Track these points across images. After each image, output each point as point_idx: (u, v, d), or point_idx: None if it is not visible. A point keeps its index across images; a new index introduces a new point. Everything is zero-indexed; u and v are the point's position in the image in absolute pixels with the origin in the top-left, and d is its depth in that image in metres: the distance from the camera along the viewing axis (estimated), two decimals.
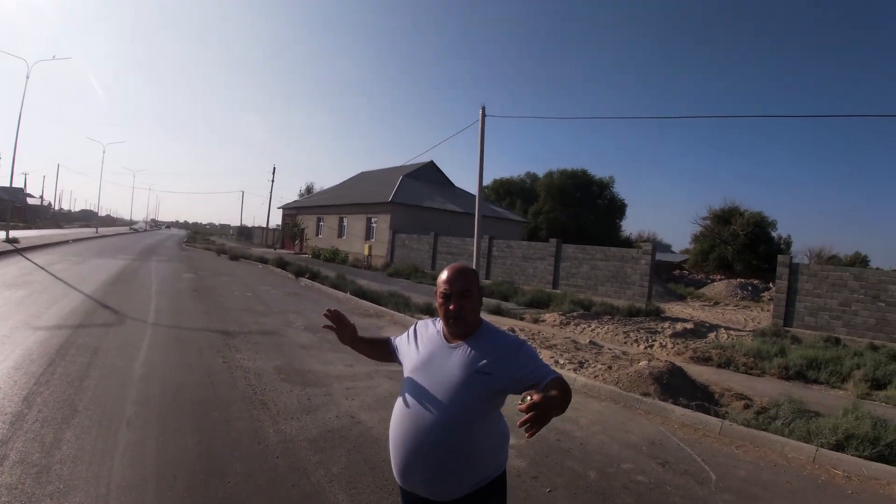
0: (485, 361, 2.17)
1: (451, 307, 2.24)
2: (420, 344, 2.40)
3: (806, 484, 4.82)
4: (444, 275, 2.29)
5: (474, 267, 20.13)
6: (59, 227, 60.88)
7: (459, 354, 2.23)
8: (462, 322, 2.25)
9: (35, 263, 17.93)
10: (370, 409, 5.98)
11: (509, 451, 2.37)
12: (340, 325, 2.62)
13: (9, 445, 4.24)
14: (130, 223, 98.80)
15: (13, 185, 33.85)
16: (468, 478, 2.16)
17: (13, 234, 26.34)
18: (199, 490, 3.88)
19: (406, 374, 2.36)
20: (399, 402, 2.32)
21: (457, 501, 2.18)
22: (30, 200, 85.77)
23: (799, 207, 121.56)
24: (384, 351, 2.67)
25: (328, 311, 2.63)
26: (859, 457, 5.14)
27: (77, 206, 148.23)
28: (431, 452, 2.14)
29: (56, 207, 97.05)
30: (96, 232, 51.13)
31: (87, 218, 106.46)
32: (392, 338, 2.70)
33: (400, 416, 2.27)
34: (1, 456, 4.05)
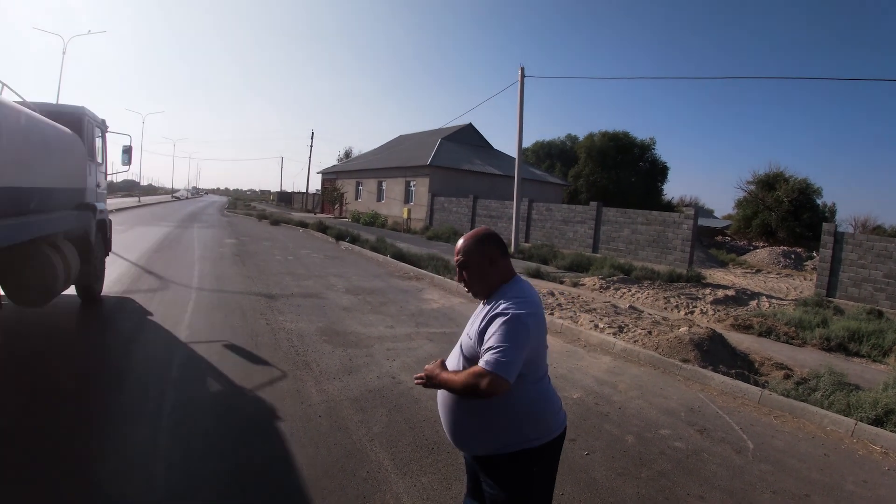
0: (476, 325, 2.22)
1: (458, 277, 2.38)
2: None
3: (843, 458, 4.77)
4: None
5: (513, 230, 20.18)
6: None
7: (475, 315, 2.30)
8: (470, 291, 2.35)
9: None
10: (410, 370, 6.08)
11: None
12: None
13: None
14: (172, 191, 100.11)
15: None
16: (480, 440, 2.23)
17: None
18: (244, 449, 4.04)
19: None
20: None
21: (479, 458, 2.28)
22: None
23: (844, 175, 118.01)
24: None
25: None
26: None
27: (119, 177, 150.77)
28: (443, 408, 2.31)
29: None
30: (139, 201, 51.74)
31: (129, 188, 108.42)
32: None
33: None
34: None
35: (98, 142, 9.00)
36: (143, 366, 5.69)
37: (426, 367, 2.25)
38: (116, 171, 11.00)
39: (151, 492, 3.38)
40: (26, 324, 6.77)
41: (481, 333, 2.14)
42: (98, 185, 8.92)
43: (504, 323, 2.08)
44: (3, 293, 5.59)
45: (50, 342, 6.32)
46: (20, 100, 6.74)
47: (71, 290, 7.62)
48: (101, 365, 5.72)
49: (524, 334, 2.08)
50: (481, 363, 2.03)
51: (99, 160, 9.06)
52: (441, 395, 2.30)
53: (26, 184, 5.42)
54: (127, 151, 10.65)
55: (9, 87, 6.49)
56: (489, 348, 2.05)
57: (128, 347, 6.25)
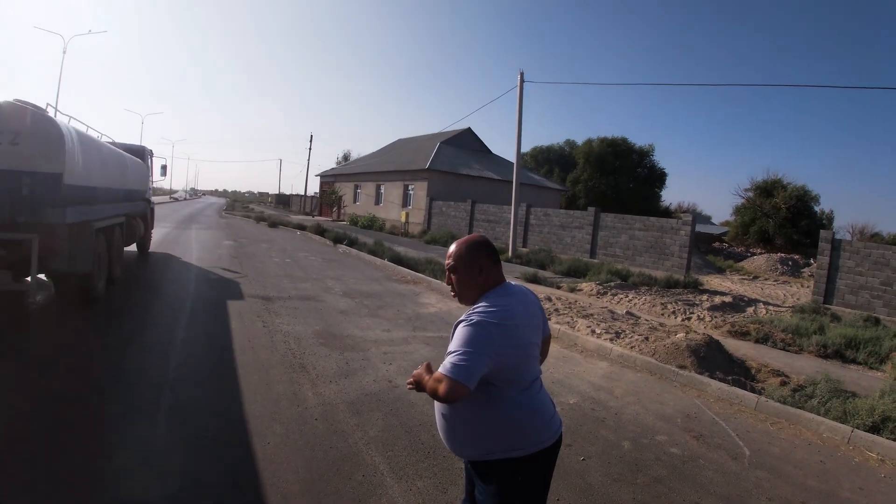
0: (452, 332, 2.23)
1: (447, 279, 2.41)
2: None
3: (839, 465, 4.77)
4: None
5: (511, 235, 20.20)
6: None
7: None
8: (457, 296, 2.39)
9: None
10: (407, 374, 6.04)
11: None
12: None
13: None
14: (170, 192, 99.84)
15: None
16: (468, 445, 2.25)
17: None
18: (240, 451, 4.02)
19: None
20: None
21: (472, 463, 2.30)
22: None
23: (842, 182, 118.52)
24: None
25: None
26: (895, 440, 5.05)
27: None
28: (437, 412, 2.34)
29: None
30: None
31: None
32: None
33: None
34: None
35: (149, 162, 15.74)
36: (139, 370, 5.70)
37: (414, 371, 2.26)
38: (157, 180, 17.92)
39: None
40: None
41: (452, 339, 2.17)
42: (149, 189, 15.23)
43: (464, 328, 2.10)
44: None
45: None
46: (111, 140, 12.23)
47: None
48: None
49: (484, 340, 2.06)
50: (440, 368, 2.05)
51: (149, 174, 15.48)
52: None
53: (134, 187, 11.71)
54: (164, 168, 18.31)
55: (102, 133, 11.02)
56: (449, 353, 2.07)
57: (124, 350, 6.26)
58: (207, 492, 3.45)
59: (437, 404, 2.29)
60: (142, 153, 14.66)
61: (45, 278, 7.67)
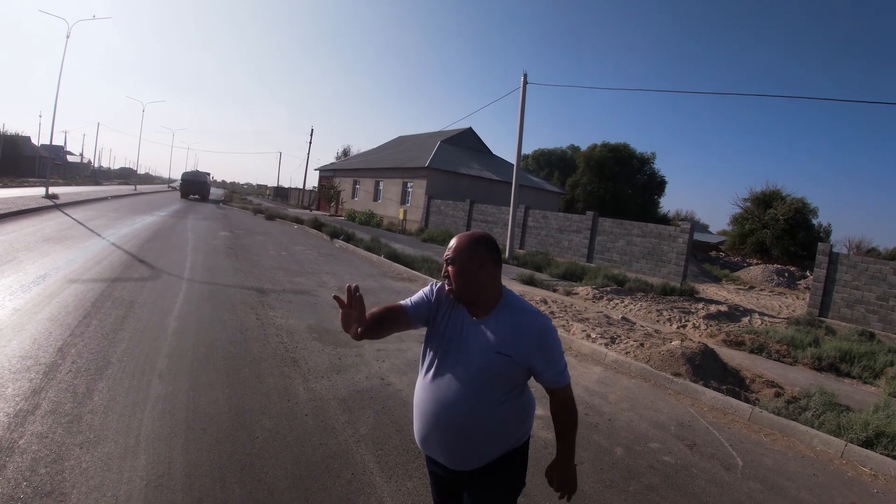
0: (505, 342, 2.11)
1: (444, 272, 2.24)
2: (445, 311, 2.30)
3: (832, 478, 4.74)
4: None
5: (509, 236, 20.19)
6: (98, 183, 61.39)
7: (482, 332, 2.16)
8: (451, 288, 2.21)
9: (73, 219, 18.13)
10: (400, 372, 6.03)
11: (535, 422, 2.39)
12: (352, 307, 2.10)
13: (41, 395, 4.35)
14: (169, 181, 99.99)
15: (53, 143, 36.62)
16: (487, 452, 2.17)
17: (52, 190, 26.35)
18: (228, 444, 3.96)
19: (429, 339, 2.32)
20: (422, 370, 2.32)
21: (474, 471, 2.20)
22: (70, 158, 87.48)
23: (840, 196, 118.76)
24: (399, 322, 2.29)
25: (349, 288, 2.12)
26: (888, 456, 5.02)
27: (116, 164, 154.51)
28: (450, 429, 2.15)
29: (95, 165, 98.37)
30: (135, 189, 52.36)
31: (125, 175, 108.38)
32: (405, 304, 2.33)
33: (422, 386, 2.28)
34: (33, 405, 4.15)
35: (210, 175, 55.35)
36: (129, 356, 5.63)
37: (558, 490, 2.29)
38: (211, 179, 60.61)
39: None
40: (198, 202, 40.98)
41: (527, 348, 2.12)
42: (210, 182, 53.00)
43: (554, 335, 2.18)
44: (199, 196, 45.70)
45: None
46: (202, 171, 52.70)
47: None
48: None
49: None
50: (558, 384, 2.20)
51: (210, 178, 54.14)
52: (437, 414, 2.16)
53: (207, 182, 49.30)
54: (212, 178, 67.86)
55: (196, 167, 57.61)
56: (553, 365, 2.17)
57: (114, 337, 6.21)
58: (193, 484, 3.39)
59: (454, 424, 2.14)
60: (208, 173, 50.99)
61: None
